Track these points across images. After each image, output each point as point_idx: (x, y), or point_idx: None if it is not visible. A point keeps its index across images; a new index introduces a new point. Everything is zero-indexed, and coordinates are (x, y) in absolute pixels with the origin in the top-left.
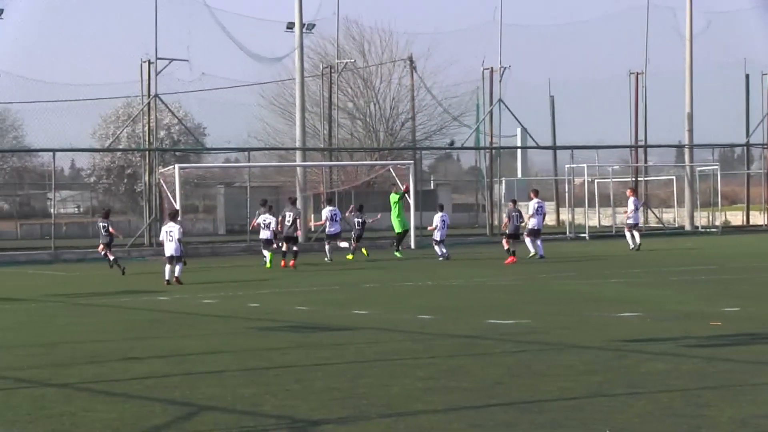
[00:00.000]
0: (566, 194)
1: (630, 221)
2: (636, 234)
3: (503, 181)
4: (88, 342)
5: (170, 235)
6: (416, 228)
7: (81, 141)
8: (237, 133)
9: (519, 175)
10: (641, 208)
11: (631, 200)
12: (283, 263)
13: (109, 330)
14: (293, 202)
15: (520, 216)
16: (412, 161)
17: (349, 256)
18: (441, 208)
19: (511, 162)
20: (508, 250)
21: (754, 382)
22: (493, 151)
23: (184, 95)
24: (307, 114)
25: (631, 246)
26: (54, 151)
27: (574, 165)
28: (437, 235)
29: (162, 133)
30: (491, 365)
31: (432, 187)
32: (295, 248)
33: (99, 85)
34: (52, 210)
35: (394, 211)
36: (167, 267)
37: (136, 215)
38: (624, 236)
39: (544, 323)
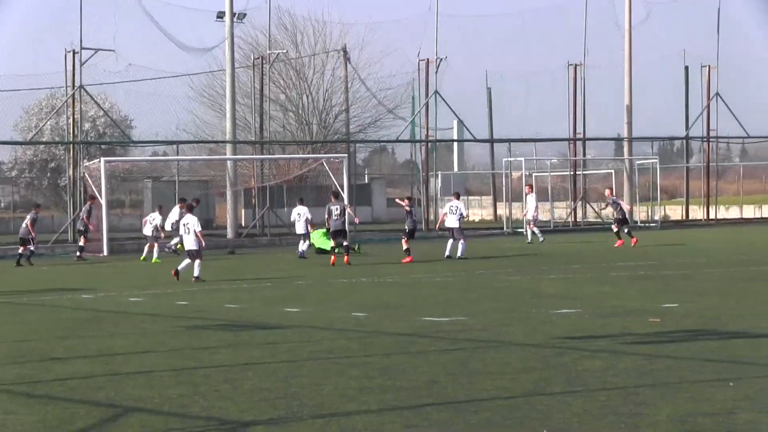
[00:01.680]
0: (503, 188)
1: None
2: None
3: (439, 175)
4: (9, 342)
5: (187, 227)
6: (350, 223)
7: (2, 133)
8: (165, 126)
9: (456, 168)
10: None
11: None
12: (333, 259)
13: (32, 330)
14: (337, 195)
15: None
16: (346, 155)
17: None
18: (457, 196)
19: (448, 155)
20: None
21: (692, 380)
22: (429, 144)
23: (110, 86)
24: (237, 106)
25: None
26: None
27: (512, 158)
28: (455, 223)
29: (87, 126)
30: (427, 363)
31: (366, 181)
32: (345, 243)
33: (21, 75)
34: None
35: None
36: (186, 261)
37: (60, 210)
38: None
39: (481, 320)
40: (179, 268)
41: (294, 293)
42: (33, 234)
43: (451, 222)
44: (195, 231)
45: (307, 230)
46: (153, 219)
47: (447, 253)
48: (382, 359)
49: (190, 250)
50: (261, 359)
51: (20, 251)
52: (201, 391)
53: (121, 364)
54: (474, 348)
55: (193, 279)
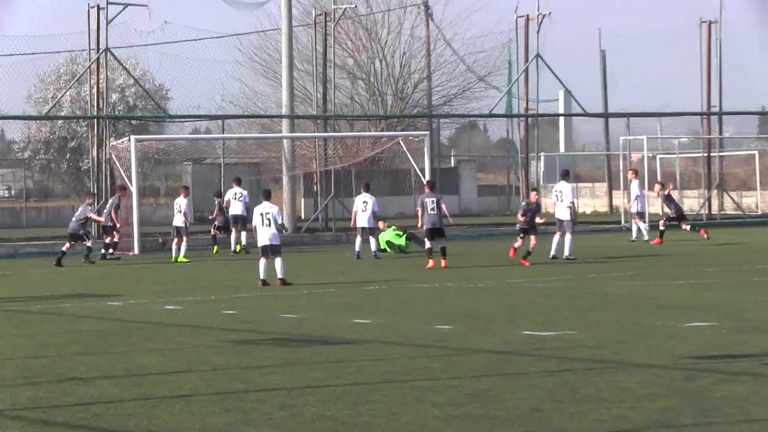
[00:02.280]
0: (620, 173)
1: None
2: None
3: (542, 157)
4: (20, 359)
5: (266, 218)
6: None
7: (12, 107)
8: (208, 98)
9: (562, 149)
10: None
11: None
12: (431, 264)
13: (47, 344)
14: (432, 185)
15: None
16: (427, 132)
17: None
18: (565, 176)
19: (552, 133)
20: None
21: None
22: (530, 119)
23: (142, 49)
24: (296, 73)
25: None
26: None
27: (631, 137)
28: (564, 213)
29: (114, 97)
30: (527, 388)
31: (452, 164)
32: (443, 244)
33: (35, 36)
34: None
35: None
36: (262, 262)
37: (81, 199)
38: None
39: (594, 335)
40: (261, 275)
41: (364, 301)
42: (117, 222)
43: (561, 212)
44: (276, 222)
45: (375, 224)
46: (179, 205)
47: (552, 252)
48: (472, 382)
49: (272, 246)
50: (324, 381)
51: (66, 248)
52: (252, 420)
53: (154, 385)
54: (585, 369)
55: (279, 282)
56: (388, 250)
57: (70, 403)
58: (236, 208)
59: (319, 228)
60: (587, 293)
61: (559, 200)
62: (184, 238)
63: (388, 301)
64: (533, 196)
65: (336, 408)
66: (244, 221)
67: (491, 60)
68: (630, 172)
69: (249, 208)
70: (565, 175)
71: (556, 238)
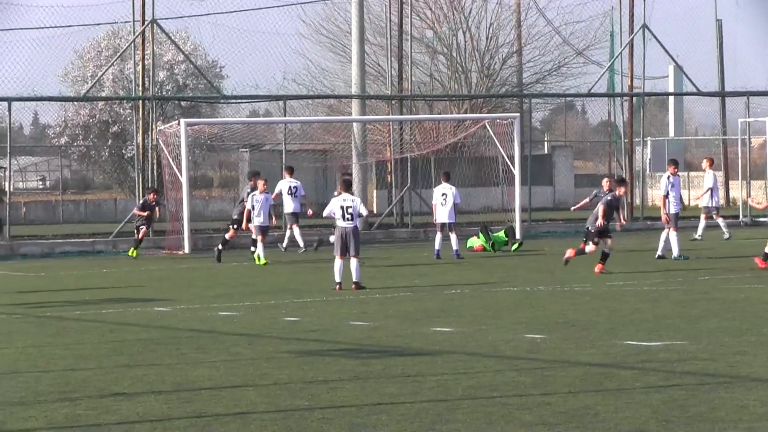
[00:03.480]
0: (739, 160)
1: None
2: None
3: (649, 143)
4: (57, 371)
5: (348, 212)
6: (524, 210)
7: (47, 86)
8: (268, 76)
9: (672, 133)
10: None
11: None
12: (599, 268)
13: (86, 355)
14: (622, 181)
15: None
16: (517, 114)
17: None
18: (673, 166)
19: (661, 115)
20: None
21: None
22: (635, 99)
23: (193, 20)
24: (368, 47)
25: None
26: (9, 100)
27: (751, 119)
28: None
29: (162, 75)
30: (630, 406)
31: (546, 150)
32: (607, 249)
33: (72, 6)
34: (5, 184)
35: None
36: (338, 262)
37: (125, 191)
38: None
39: (707, 346)
40: (337, 278)
41: (444, 307)
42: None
43: (672, 205)
44: (359, 214)
45: (456, 218)
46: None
47: (659, 251)
48: (567, 399)
49: (354, 243)
50: (399, 397)
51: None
52: None
53: (207, 402)
54: (697, 385)
55: (353, 286)
56: (486, 247)
57: (112, 422)
58: (290, 205)
59: (394, 223)
60: (699, 298)
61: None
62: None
63: (471, 307)
64: (607, 183)
65: (412, 428)
66: (297, 218)
67: (591, 31)
68: (705, 160)
69: (302, 203)
70: (674, 165)
71: (664, 235)
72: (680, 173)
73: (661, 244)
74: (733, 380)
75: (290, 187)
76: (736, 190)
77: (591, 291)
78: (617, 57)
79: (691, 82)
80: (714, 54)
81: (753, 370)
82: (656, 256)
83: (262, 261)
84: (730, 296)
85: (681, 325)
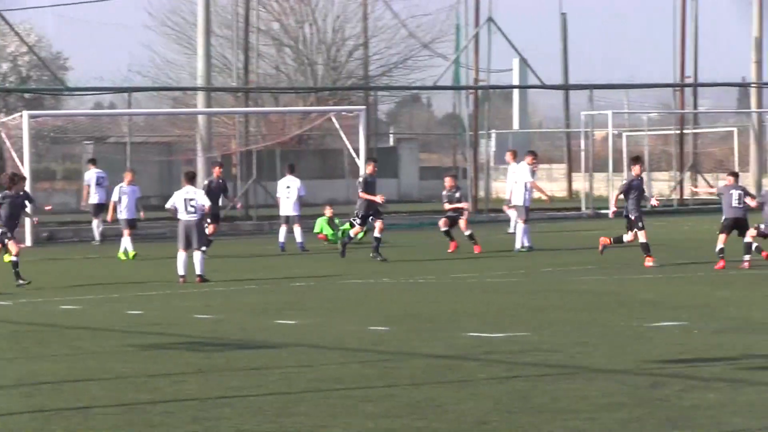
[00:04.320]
0: (582, 153)
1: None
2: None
3: (493, 135)
4: None
5: (190, 204)
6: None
7: None
8: (113, 67)
9: (516, 126)
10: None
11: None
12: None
13: None
14: (638, 160)
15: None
16: (363, 107)
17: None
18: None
19: (506, 108)
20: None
21: None
22: (480, 92)
23: (37, 12)
24: (213, 39)
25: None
26: None
27: (594, 112)
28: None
29: (5, 67)
30: (473, 397)
31: (392, 143)
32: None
33: None
34: None
35: None
36: (181, 255)
37: None
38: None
39: (549, 337)
40: (181, 270)
41: (288, 299)
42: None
43: (516, 196)
44: (201, 209)
45: (300, 211)
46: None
47: (525, 243)
48: (411, 391)
49: (198, 237)
50: (243, 390)
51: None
52: None
53: (49, 396)
54: (539, 376)
55: (197, 279)
56: (329, 237)
57: None
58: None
59: (239, 216)
60: (542, 290)
61: (515, 182)
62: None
63: (316, 300)
64: (638, 168)
65: (256, 421)
66: (100, 210)
67: (436, 24)
68: (508, 153)
69: (109, 193)
70: (534, 156)
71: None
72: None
73: (519, 234)
74: (574, 371)
75: (287, 188)
76: (579, 182)
77: (435, 283)
78: (463, 50)
79: (536, 75)
80: (558, 48)
81: (594, 360)
82: (515, 249)
83: (131, 254)
84: (571, 287)
85: (524, 317)
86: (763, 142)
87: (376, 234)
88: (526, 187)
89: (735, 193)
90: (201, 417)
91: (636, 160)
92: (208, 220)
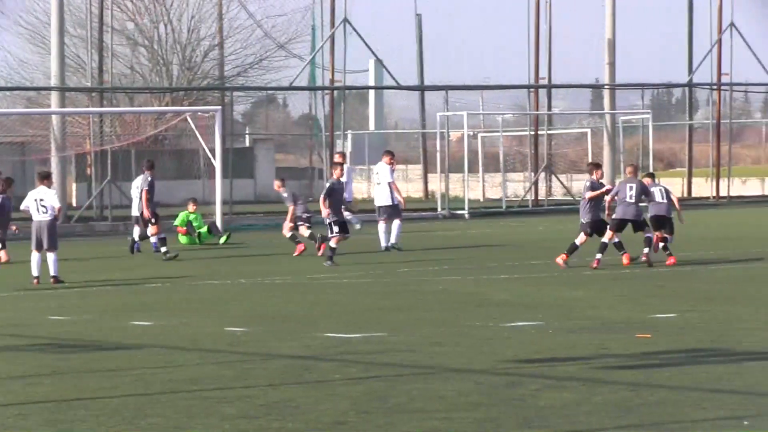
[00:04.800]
0: (437, 154)
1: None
2: None
3: (349, 136)
4: None
5: (41, 204)
6: (225, 203)
7: None
8: None
9: (372, 126)
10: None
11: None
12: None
13: None
14: (599, 166)
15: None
16: (219, 107)
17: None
18: (388, 156)
19: (361, 109)
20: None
21: (694, 418)
22: (336, 92)
23: None
24: (67, 39)
25: None
26: None
27: (450, 113)
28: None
29: None
30: (330, 398)
31: (247, 143)
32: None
33: None
34: None
35: None
36: (35, 256)
37: None
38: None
39: (407, 337)
40: (35, 272)
41: (144, 300)
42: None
43: (381, 197)
44: (53, 210)
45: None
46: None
47: (384, 243)
48: (268, 392)
49: (49, 238)
50: (99, 392)
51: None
52: None
53: None
54: (396, 376)
55: (52, 280)
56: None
57: None
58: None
59: (94, 216)
60: (399, 290)
61: (379, 183)
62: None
63: (172, 301)
64: (629, 170)
65: (111, 422)
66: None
67: (292, 25)
68: (337, 156)
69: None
70: (389, 156)
71: (383, 226)
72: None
73: (382, 234)
74: (431, 371)
75: (136, 187)
76: (435, 183)
77: (292, 283)
78: (318, 51)
79: (391, 76)
80: (414, 49)
81: (450, 360)
82: (383, 247)
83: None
84: (428, 288)
85: (380, 317)
86: (616, 143)
87: (333, 244)
88: (390, 187)
89: (628, 188)
90: (55, 419)
91: (597, 165)
92: (152, 221)
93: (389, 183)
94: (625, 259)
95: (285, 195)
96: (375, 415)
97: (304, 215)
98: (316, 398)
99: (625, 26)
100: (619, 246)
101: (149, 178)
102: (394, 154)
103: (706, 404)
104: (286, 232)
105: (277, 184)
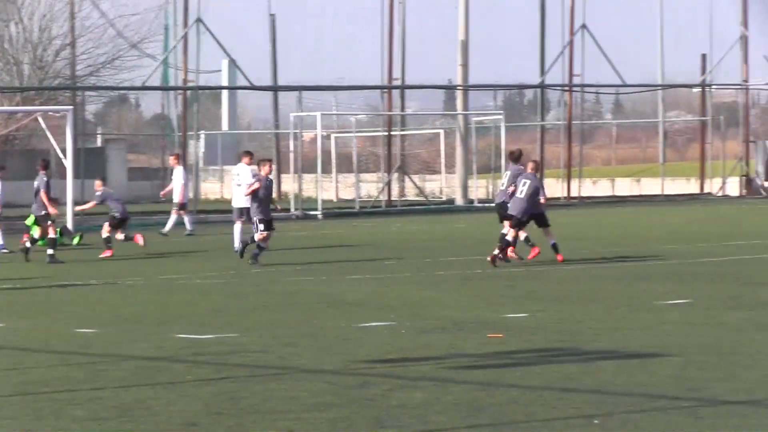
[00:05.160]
0: (291, 154)
1: None
2: None
3: (202, 136)
4: None
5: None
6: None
7: None
8: None
9: (225, 126)
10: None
11: None
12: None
13: None
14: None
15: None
16: (70, 107)
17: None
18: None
19: (215, 109)
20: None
21: (545, 417)
22: (189, 92)
23: None
24: None
25: None
26: None
27: (303, 113)
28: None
29: None
30: (182, 399)
31: (99, 143)
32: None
33: None
34: None
35: None
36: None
37: None
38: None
39: (258, 338)
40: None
41: None
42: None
43: (240, 198)
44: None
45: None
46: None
47: (238, 244)
48: (119, 393)
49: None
50: None
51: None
52: None
53: None
54: (248, 377)
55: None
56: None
57: None
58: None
59: None
60: (251, 291)
61: (238, 184)
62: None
63: (23, 302)
64: (531, 165)
65: None
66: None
67: (145, 24)
68: (172, 158)
69: None
70: (249, 157)
71: (239, 227)
72: (233, 166)
73: (237, 235)
74: (284, 372)
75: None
76: (288, 184)
77: (143, 285)
78: (172, 50)
79: (245, 76)
80: (267, 49)
81: (303, 361)
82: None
83: None
84: (281, 288)
85: (233, 318)
86: (469, 144)
87: (261, 243)
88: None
89: (521, 183)
90: None
91: (535, 162)
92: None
93: (249, 185)
94: (493, 252)
95: (97, 193)
96: (227, 416)
97: (118, 216)
98: (168, 399)
99: (478, 28)
100: (502, 238)
101: (45, 178)
102: (253, 154)
103: (557, 403)
104: (104, 233)
105: (97, 183)
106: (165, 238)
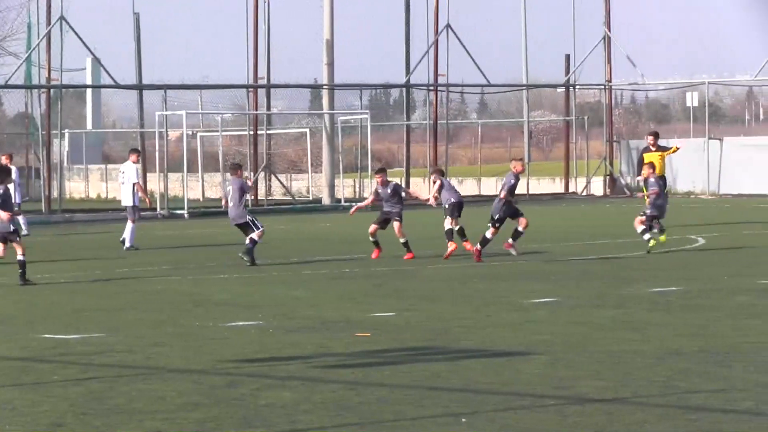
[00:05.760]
0: (156, 153)
1: None
2: None
3: (66, 135)
4: None
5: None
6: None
7: None
8: None
9: (90, 125)
10: None
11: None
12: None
13: None
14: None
15: None
16: None
17: None
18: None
19: (79, 107)
20: None
21: (413, 416)
22: (53, 91)
23: None
24: None
25: None
26: None
27: (168, 112)
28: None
29: None
30: (48, 399)
31: None
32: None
33: None
34: None
35: None
36: None
37: None
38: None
39: (125, 338)
40: None
41: None
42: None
43: (127, 196)
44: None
45: None
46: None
47: (128, 244)
48: None
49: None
50: None
51: None
52: None
53: None
54: (115, 377)
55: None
56: None
57: None
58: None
59: None
60: (118, 290)
61: (124, 182)
62: None
63: None
64: (519, 165)
65: None
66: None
67: (7, 22)
68: (3, 157)
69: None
70: (136, 155)
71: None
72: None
73: (128, 234)
74: (151, 371)
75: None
76: (154, 183)
77: (8, 284)
78: (35, 48)
79: (109, 74)
80: (132, 47)
81: (170, 361)
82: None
83: None
84: (147, 288)
85: (99, 318)
86: (335, 143)
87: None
88: (134, 187)
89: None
90: None
91: (520, 160)
92: None
93: (134, 183)
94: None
95: None
96: (93, 416)
97: None
98: (33, 400)
99: (343, 27)
100: (449, 234)
101: None
102: (140, 152)
103: (425, 402)
104: None
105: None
106: (27, 238)
